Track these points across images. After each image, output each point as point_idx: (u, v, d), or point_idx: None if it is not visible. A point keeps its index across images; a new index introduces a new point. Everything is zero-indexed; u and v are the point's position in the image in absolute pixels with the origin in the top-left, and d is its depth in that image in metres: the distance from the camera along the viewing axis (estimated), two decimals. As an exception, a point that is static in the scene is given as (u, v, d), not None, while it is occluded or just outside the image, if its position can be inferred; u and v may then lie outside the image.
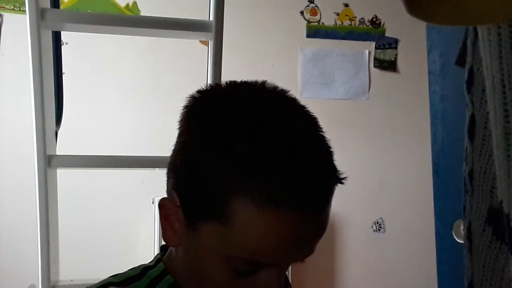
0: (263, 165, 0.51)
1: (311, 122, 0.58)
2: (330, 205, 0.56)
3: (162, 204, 0.60)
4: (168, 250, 0.67)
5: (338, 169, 0.56)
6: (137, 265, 0.65)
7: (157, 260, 0.66)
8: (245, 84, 0.60)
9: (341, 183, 0.56)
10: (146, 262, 0.67)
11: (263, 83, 0.59)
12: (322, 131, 0.57)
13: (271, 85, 0.59)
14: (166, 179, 0.61)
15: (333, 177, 0.55)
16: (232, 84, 0.60)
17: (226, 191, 0.52)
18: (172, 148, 0.61)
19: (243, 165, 0.51)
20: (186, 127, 0.59)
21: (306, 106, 0.59)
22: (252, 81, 0.60)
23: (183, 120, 0.59)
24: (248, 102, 0.56)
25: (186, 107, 0.59)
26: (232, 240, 0.53)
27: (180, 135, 0.59)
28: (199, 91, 0.60)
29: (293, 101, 0.59)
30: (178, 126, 0.60)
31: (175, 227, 0.59)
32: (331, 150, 0.57)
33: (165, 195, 0.61)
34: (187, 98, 0.60)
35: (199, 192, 0.54)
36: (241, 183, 0.51)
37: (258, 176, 0.51)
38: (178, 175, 0.58)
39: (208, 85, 0.61)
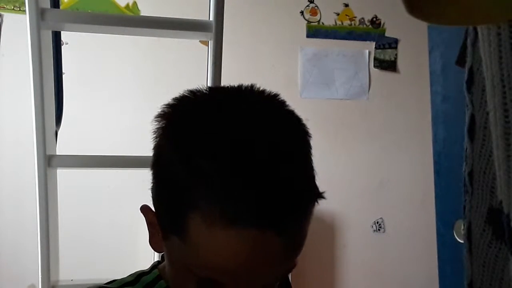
0: (218, 180, 0.47)
1: (291, 133, 0.54)
2: (302, 227, 0.52)
3: (144, 211, 0.60)
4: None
5: (317, 186, 0.52)
6: (134, 271, 0.66)
7: (153, 266, 0.67)
8: (224, 91, 0.57)
9: (316, 202, 0.52)
10: (146, 262, 0.67)
11: (250, 88, 0.56)
12: (304, 143, 0.54)
13: (257, 91, 0.56)
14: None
15: (302, 197, 0.50)
16: (212, 92, 0.57)
17: (182, 205, 0.50)
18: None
19: (198, 179, 0.48)
20: (158, 135, 0.57)
21: (292, 112, 0.55)
22: (236, 87, 0.56)
23: (156, 128, 0.57)
24: (220, 113, 0.52)
25: (158, 115, 0.57)
26: (190, 256, 0.51)
27: (153, 146, 0.58)
28: (173, 99, 0.57)
29: (278, 108, 0.55)
30: (152, 135, 0.58)
31: (159, 233, 0.58)
32: (309, 165, 0.53)
33: None
34: (161, 106, 0.57)
35: (163, 204, 0.55)
36: (195, 197, 0.49)
37: (210, 191, 0.48)
38: (152, 184, 0.57)
39: (186, 91, 0.57)
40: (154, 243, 0.60)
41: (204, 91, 0.56)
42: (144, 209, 0.60)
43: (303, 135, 0.55)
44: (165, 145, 0.55)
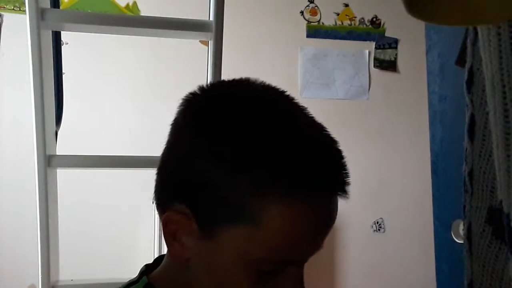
0: (287, 158, 0.50)
1: (315, 121, 0.57)
2: None
3: (169, 219, 0.54)
4: (161, 265, 0.62)
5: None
6: (124, 283, 0.62)
7: (141, 273, 0.62)
8: (245, 83, 0.58)
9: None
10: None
11: (262, 83, 0.58)
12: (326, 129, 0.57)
13: (270, 85, 0.58)
14: (157, 189, 0.58)
15: (345, 162, 0.56)
16: (235, 83, 0.58)
17: (251, 190, 0.50)
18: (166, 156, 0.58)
19: (264, 161, 0.49)
20: (189, 132, 0.55)
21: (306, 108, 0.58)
22: (251, 80, 0.58)
23: (186, 122, 0.56)
24: (256, 101, 0.55)
25: (180, 109, 0.57)
26: (258, 240, 0.50)
27: (181, 139, 0.56)
28: (193, 93, 0.57)
29: (290, 96, 0.58)
30: (175, 130, 0.57)
31: (182, 242, 0.55)
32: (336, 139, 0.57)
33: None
34: (181, 99, 0.57)
35: (218, 198, 0.51)
36: (266, 179, 0.49)
37: (282, 170, 0.49)
38: (184, 184, 0.54)
39: (206, 85, 0.58)
40: (179, 254, 0.55)
41: (228, 82, 0.58)
42: (170, 217, 0.54)
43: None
44: (204, 140, 0.53)
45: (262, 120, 0.52)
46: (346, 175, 0.54)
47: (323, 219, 0.53)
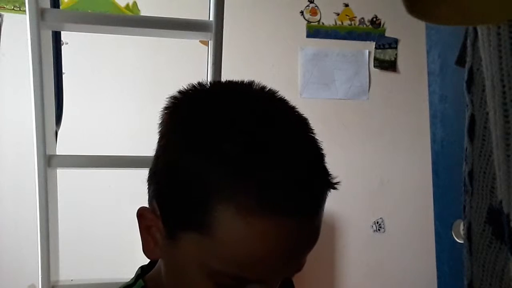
0: (253, 167, 0.46)
1: (302, 124, 0.54)
2: (323, 212, 0.53)
3: (141, 213, 0.56)
4: (155, 268, 0.63)
5: (330, 173, 0.53)
6: (121, 285, 0.63)
7: (137, 276, 0.63)
8: (230, 84, 0.57)
9: (334, 188, 0.52)
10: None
11: (250, 83, 0.55)
12: (314, 133, 0.54)
13: (259, 85, 0.55)
14: (147, 187, 0.58)
15: (326, 181, 0.52)
16: (217, 84, 0.58)
17: (207, 196, 0.47)
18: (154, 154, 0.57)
19: (229, 167, 0.46)
20: (168, 128, 0.55)
21: (296, 107, 0.55)
22: (238, 81, 0.56)
23: (164, 121, 0.55)
24: (236, 102, 0.52)
25: (167, 108, 0.55)
26: (214, 251, 0.48)
27: (160, 138, 0.56)
28: (180, 92, 0.56)
29: (283, 102, 0.55)
30: (159, 129, 0.56)
31: (156, 239, 0.55)
32: (323, 153, 0.53)
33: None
34: (167, 99, 0.56)
35: (178, 198, 0.50)
36: (226, 187, 0.46)
37: (246, 179, 0.46)
38: (158, 181, 0.54)
39: (190, 85, 0.56)
40: (151, 251, 0.56)
41: (209, 85, 0.56)
42: (142, 212, 0.56)
43: (310, 125, 0.56)
44: (179, 135, 0.52)
45: (227, 124, 0.49)
46: (316, 197, 0.50)
47: (290, 241, 0.48)
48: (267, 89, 0.56)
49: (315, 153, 0.52)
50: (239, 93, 0.54)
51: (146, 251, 0.57)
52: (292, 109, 0.55)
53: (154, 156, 0.56)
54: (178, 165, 0.50)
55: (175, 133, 0.53)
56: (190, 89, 0.56)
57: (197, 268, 0.50)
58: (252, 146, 0.47)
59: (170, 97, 0.56)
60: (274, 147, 0.48)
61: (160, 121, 0.56)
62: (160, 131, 0.56)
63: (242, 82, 0.56)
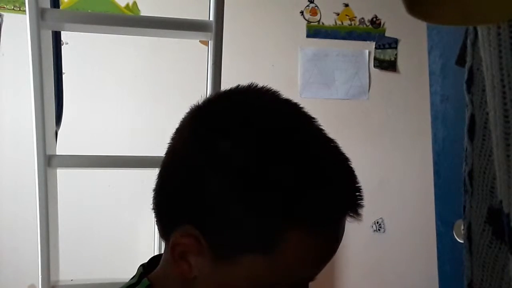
0: (303, 184, 0.48)
1: (326, 136, 0.55)
2: None
3: (177, 243, 0.52)
4: (161, 270, 0.59)
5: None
6: (123, 284, 0.60)
7: (140, 275, 0.60)
8: (262, 94, 0.55)
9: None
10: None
11: (271, 91, 0.55)
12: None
13: (279, 95, 0.55)
14: (158, 200, 0.55)
15: (359, 181, 0.55)
16: (243, 94, 0.55)
17: (270, 220, 0.48)
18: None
19: (285, 191, 0.48)
20: (200, 147, 0.51)
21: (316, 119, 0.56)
22: (259, 90, 0.55)
23: (196, 135, 0.52)
24: (301, 126, 0.54)
25: (214, 129, 0.51)
26: (277, 267, 0.50)
27: (190, 153, 0.52)
28: (210, 101, 0.55)
29: (312, 118, 0.55)
30: (181, 141, 0.54)
31: (190, 262, 0.52)
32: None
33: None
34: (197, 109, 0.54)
35: (231, 223, 0.49)
36: (287, 209, 0.48)
37: (300, 197, 0.48)
38: (193, 203, 0.51)
39: (215, 94, 0.56)
40: (184, 272, 0.53)
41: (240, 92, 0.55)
42: (180, 239, 0.51)
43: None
44: (221, 166, 0.49)
45: (279, 142, 0.49)
46: (361, 197, 0.53)
47: (334, 241, 0.54)
48: (292, 102, 0.56)
49: (345, 157, 0.55)
50: (296, 116, 0.55)
51: (181, 274, 0.53)
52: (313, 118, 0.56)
53: (171, 171, 0.54)
54: (232, 197, 0.49)
55: (206, 154, 0.50)
56: (214, 99, 0.56)
57: (249, 283, 0.51)
58: (299, 167, 0.49)
59: (192, 108, 0.55)
60: (318, 157, 0.51)
61: (181, 136, 0.54)
62: (188, 149, 0.52)
63: (269, 91, 0.56)
